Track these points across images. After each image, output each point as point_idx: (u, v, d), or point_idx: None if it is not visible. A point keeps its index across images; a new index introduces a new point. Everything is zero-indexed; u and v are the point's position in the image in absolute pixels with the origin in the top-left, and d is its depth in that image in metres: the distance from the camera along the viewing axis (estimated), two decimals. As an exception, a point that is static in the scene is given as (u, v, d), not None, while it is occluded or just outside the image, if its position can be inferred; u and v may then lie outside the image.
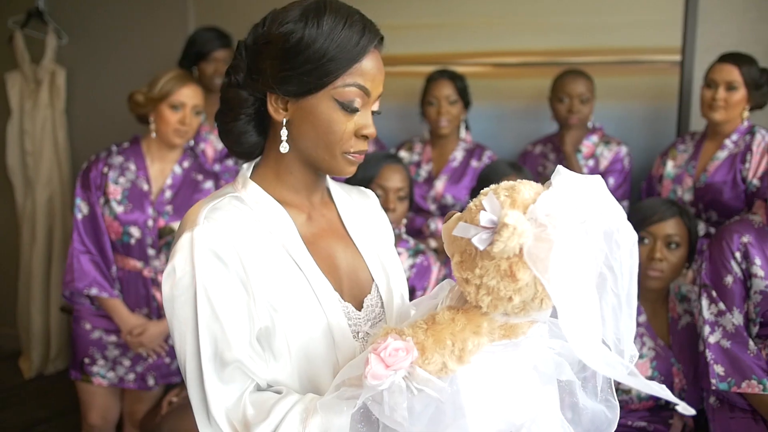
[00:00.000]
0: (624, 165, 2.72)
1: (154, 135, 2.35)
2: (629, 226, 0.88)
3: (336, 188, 1.22)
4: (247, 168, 1.13)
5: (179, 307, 0.99)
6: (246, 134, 1.10)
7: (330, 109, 1.03)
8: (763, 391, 1.79)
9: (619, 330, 0.90)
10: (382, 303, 1.15)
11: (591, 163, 2.73)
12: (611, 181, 2.68)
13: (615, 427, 0.98)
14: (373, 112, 1.08)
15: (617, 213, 0.89)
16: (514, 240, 0.81)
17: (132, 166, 2.35)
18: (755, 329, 1.89)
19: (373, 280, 1.16)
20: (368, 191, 1.31)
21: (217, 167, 2.99)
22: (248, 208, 1.06)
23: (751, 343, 1.85)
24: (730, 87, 2.39)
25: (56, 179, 3.67)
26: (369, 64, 1.03)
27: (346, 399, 0.92)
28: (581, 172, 2.65)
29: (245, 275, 1.00)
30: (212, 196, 1.09)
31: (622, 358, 0.90)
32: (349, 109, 1.03)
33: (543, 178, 2.79)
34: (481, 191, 0.91)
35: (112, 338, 2.37)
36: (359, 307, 1.11)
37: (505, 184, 0.90)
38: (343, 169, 1.08)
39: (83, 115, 3.75)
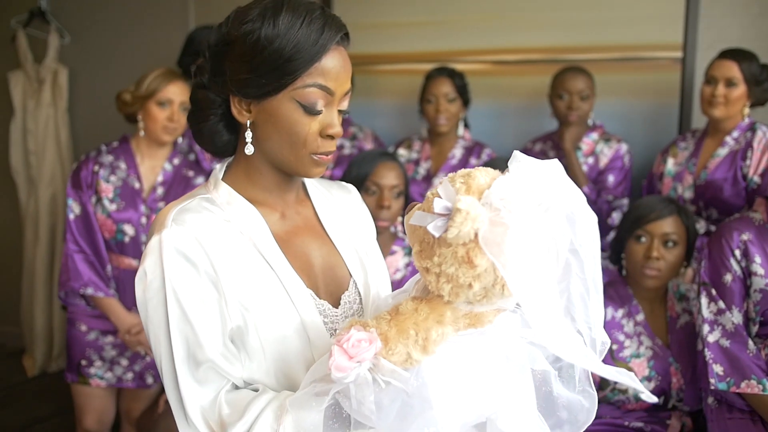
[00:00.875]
0: (624, 162, 2.69)
1: (142, 133, 2.35)
2: (588, 208, 0.88)
3: (313, 185, 1.21)
4: (219, 169, 1.12)
5: (152, 309, 1.00)
6: (217, 134, 1.09)
7: (291, 110, 1.01)
8: (763, 392, 1.76)
9: (589, 317, 0.90)
10: (360, 299, 1.14)
11: (591, 160, 2.71)
12: (611, 178, 2.66)
13: (593, 416, 0.97)
14: (340, 111, 1.05)
15: (576, 197, 0.88)
16: (467, 225, 0.81)
17: (122, 165, 2.35)
18: (755, 328, 1.87)
19: (351, 276, 1.15)
20: (349, 186, 1.30)
21: (217, 165, 2.99)
22: (218, 209, 1.06)
23: (750, 342, 1.83)
24: (730, 83, 2.36)
25: (59, 178, 3.69)
26: (331, 63, 1.00)
27: (316, 394, 0.91)
28: (581, 170, 2.65)
29: (215, 275, 0.99)
30: (182, 198, 1.08)
31: (594, 347, 0.90)
32: (313, 111, 1.01)
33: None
34: (439, 180, 0.91)
35: (109, 338, 2.36)
36: (336, 304, 1.11)
37: (461, 171, 0.90)
38: (309, 170, 1.06)
39: (86, 114, 3.77)
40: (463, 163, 2.84)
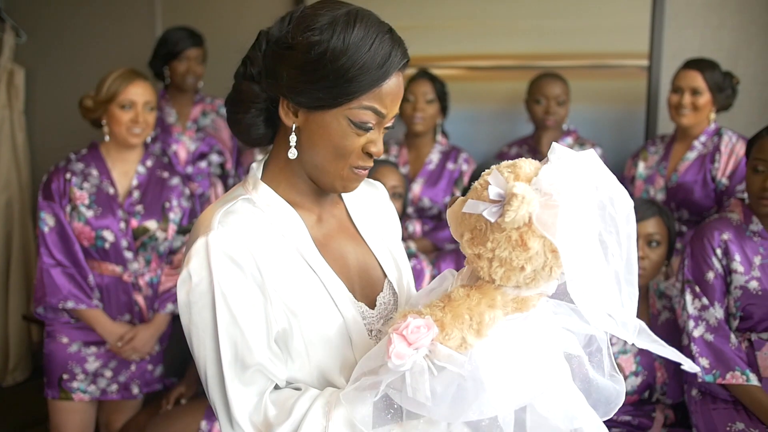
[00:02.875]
0: None
1: (107, 138, 2.29)
2: (625, 193, 0.94)
3: None
4: (257, 168, 1.11)
5: (196, 313, 0.98)
6: (254, 126, 1.08)
7: (342, 126, 1.00)
8: (747, 382, 1.86)
9: (622, 299, 0.94)
10: (395, 300, 1.15)
11: None
12: None
13: (623, 398, 1.02)
14: (386, 128, 1.06)
15: (612, 182, 0.93)
16: (523, 208, 0.85)
17: (94, 172, 2.28)
18: (735, 323, 1.97)
19: (386, 276, 1.16)
20: (377, 183, 1.29)
21: (189, 169, 2.93)
22: (260, 211, 1.05)
23: (732, 336, 1.93)
24: (695, 92, 2.49)
25: (15, 183, 3.52)
26: (389, 89, 1.00)
27: (368, 387, 0.93)
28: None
29: (261, 279, 0.99)
30: (224, 199, 1.07)
31: (627, 328, 0.94)
32: (363, 128, 1.01)
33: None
34: (483, 172, 0.96)
35: (92, 350, 2.27)
36: (372, 305, 1.11)
37: (505, 162, 0.95)
38: (348, 184, 1.06)
39: (43, 116, 3.62)
40: (440, 168, 2.88)
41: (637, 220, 2.06)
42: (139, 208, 2.30)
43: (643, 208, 2.14)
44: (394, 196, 2.21)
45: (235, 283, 0.97)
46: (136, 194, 2.31)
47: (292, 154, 1.04)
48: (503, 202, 0.88)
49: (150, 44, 3.01)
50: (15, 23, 3.52)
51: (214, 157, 2.99)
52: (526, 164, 0.93)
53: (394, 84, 1.01)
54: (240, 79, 1.07)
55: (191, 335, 1.00)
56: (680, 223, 2.58)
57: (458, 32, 3.09)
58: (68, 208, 2.23)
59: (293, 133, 1.04)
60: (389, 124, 1.06)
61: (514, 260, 0.89)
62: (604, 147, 2.93)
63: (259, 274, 0.99)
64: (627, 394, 2.07)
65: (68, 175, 2.25)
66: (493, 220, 0.89)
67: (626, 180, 2.75)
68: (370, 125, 1.01)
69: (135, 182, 2.32)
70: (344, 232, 1.15)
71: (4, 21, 3.49)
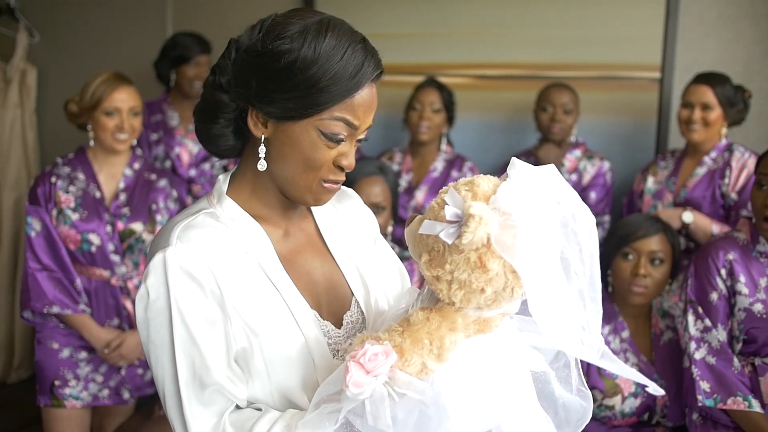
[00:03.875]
0: (606, 180, 2.74)
1: (92, 143, 2.28)
2: (587, 209, 0.91)
3: None
4: (223, 180, 1.08)
5: (154, 330, 0.96)
6: (222, 137, 1.05)
7: (312, 137, 0.98)
8: (749, 408, 1.81)
9: (586, 318, 0.92)
10: (363, 318, 1.12)
11: (574, 177, 2.74)
12: (593, 195, 2.71)
13: (590, 415, 0.99)
14: (359, 140, 1.03)
15: (574, 198, 0.91)
16: (481, 229, 0.83)
17: (81, 176, 2.27)
18: (738, 346, 1.91)
19: (353, 295, 1.12)
20: (349, 191, 1.26)
21: (192, 172, 2.93)
22: (223, 226, 1.02)
23: (735, 360, 1.87)
24: (705, 107, 2.43)
25: (24, 181, 3.55)
26: (361, 100, 0.98)
27: (328, 414, 0.90)
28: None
29: (221, 296, 0.96)
30: (185, 213, 1.04)
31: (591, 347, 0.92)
32: (334, 140, 0.98)
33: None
34: (441, 190, 0.94)
35: (83, 354, 2.25)
36: (339, 324, 1.08)
37: (462, 180, 0.92)
38: (319, 197, 1.03)
39: (54, 116, 3.63)
40: (445, 176, 2.85)
41: (641, 237, 2.06)
42: (125, 210, 2.28)
43: (647, 225, 2.09)
44: (376, 210, 2.10)
45: (193, 301, 0.95)
46: (122, 197, 2.30)
47: (261, 165, 1.01)
48: (460, 222, 0.85)
49: (160, 45, 3.01)
50: (29, 23, 3.55)
51: (217, 160, 2.98)
52: (484, 181, 0.90)
53: (366, 95, 0.98)
54: (209, 88, 1.04)
55: (149, 352, 0.98)
56: (688, 240, 2.52)
57: (468, 40, 3.05)
58: (54, 212, 2.23)
59: (262, 144, 1.01)
60: (362, 137, 1.03)
61: (473, 282, 0.86)
62: (614, 160, 2.87)
63: (218, 290, 0.96)
64: (625, 415, 2.02)
65: (54, 179, 2.24)
66: (450, 242, 0.86)
67: (635, 195, 2.69)
68: (342, 137, 0.99)
69: (122, 185, 2.31)
70: (312, 248, 1.11)
71: (18, 21, 3.52)
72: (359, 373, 0.85)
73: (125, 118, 2.23)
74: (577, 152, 2.77)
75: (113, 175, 2.32)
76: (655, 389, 0.92)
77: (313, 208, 1.15)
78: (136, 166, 2.36)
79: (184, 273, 0.94)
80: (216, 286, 0.96)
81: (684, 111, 2.48)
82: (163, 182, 2.38)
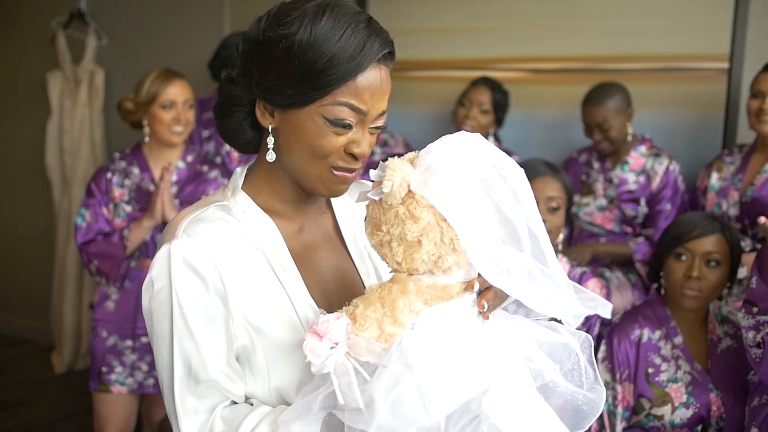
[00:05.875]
0: (678, 186, 2.55)
1: (147, 139, 2.34)
2: (514, 163, 0.90)
3: None
4: (240, 173, 1.07)
5: (156, 321, 0.97)
6: (240, 131, 1.04)
7: (318, 124, 0.95)
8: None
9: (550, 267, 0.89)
10: None
11: (642, 179, 2.57)
12: (668, 207, 2.53)
13: (601, 408, 0.94)
14: (375, 129, 0.99)
15: (499, 153, 0.90)
16: (397, 176, 0.86)
17: (135, 170, 2.35)
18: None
19: None
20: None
21: (237, 169, 2.97)
22: (234, 219, 1.01)
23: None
24: None
25: (92, 178, 3.72)
26: (366, 82, 0.93)
27: (307, 401, 0.88)
28: (624, 184, 2.54)
29: (224, 291, 0.95)
30: (196, 205, 1.04)
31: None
32: (340, 125, 0.95)
33: (586, 186, 2.68)
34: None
35: (128, 343, 2.33)
36: None
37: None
38: (333, 187, 1.00)
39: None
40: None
41: (695, 237, 1.93)
42: (176, 202, 2.33)
43: (703, 224, 1.95)
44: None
45: (194, 295, 0.94)
46: (174, 189, 2.35)
47: (270, 156, 1.00)
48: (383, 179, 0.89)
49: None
50: (98, 27, 3.71)
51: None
52: (410, 153, 0.93)
53: (372, 77, 0.94)
54: (223, 82, 1.04)
55: (152, 342, 0.99)
56: (754, 242, 2.34)
57: (520, 33, 2.96)
58: (111, 206, 2.31)
59: (270, 135, 1.00)
60: (379, 124, 0.99)
61: (407, 234, 0.87)
62: (678, 156, 2.70)
63: (222, 286, 0.95)
64: (675, 426, 1.90)
65: (109, 175, 2.33)
66: (376, 198, 0.89)
67: (698, 192, 2.53)
68: (348, 122, 0.95)
69: (175, 178, 2.37)
70: (327, 244, 1.09)
71: (88, 24, 3.69)
72: (314, 340, 0.85)
73: (181, 111, 2.29)
74: (642, 148, 2.61)
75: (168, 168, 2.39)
76: (574, 316, 0.90)
77: (333, 204, 1.13)
78: (189, 158, 2.41)
79: (188, 267, 0.94)
80: (219, 282, 0.95)
81: (753, 101, 2.31)
82: (214, 173, 2.43)
